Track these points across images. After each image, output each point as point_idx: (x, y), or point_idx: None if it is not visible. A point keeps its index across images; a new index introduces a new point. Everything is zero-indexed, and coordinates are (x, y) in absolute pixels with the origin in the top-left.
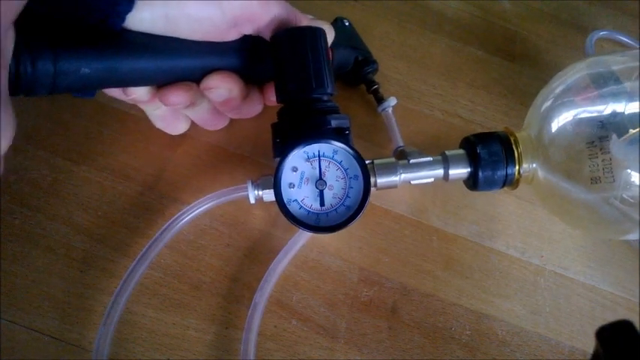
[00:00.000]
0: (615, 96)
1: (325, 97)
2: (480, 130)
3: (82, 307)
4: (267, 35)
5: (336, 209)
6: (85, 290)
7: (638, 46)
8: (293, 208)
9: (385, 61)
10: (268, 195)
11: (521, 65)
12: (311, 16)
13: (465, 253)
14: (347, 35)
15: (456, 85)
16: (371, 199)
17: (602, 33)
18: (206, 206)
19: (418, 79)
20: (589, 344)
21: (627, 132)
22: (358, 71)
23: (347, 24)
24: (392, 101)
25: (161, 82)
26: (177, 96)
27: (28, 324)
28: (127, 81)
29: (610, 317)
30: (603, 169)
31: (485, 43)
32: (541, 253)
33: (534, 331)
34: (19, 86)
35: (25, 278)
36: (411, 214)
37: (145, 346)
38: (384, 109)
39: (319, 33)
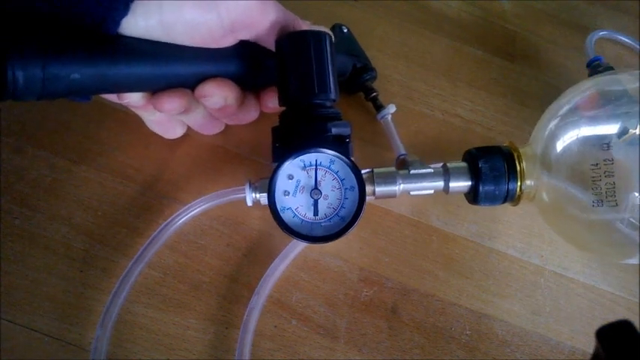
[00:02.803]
0: (624, 116)
1: (328, 103)
2: (480, 130)
3: (81, 307)
4: (264, 41)
5: (330, 219)
6: (85, 290)
7: (638, 46)
8: (286, 216)
9: (385, 61)
10: (265, 198)
11: (521, 65)
12: (310, 22)
13: (465, 253)
14: (345, 42)
15: (456, 85)
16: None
17: (602, 33)
18: (202, 207)
19: (418, 79)
20: (589, 344)
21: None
22: (356, 79)
23: (345, 30)
24: (391, 109)
25: (155, 89)
26: (171, 103)
27: (28, 324)
28: (119, 87)
29: (610, 317)
30: (606, 192)
31: (485, 43)
32: (541, 253)
33: (534, 331)
34: (5, 91)
35: (25, 278)
36: (411, 214)
37: (145, 346)
38: (382, 117)
39: (325, 37)
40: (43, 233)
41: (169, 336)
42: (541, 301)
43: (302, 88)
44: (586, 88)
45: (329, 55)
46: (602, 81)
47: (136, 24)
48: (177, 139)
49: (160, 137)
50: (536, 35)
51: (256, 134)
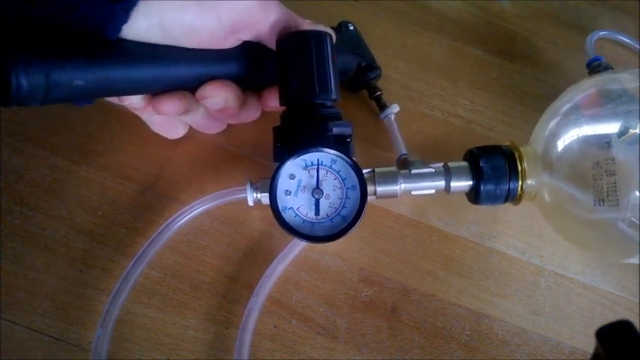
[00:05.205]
0: (625, 115)
1: (329, 103)
2: (480, 130)
3: (81, 307)
4: (266, 41)
5: (331, 219)
6: (85, 290)
7: (638, 46)
8: (288, 215)
9: (385, 62)
10: (267, 198)
11: (521, 65)
12: (310, 21)
13: (465, 253)
14: (351, 40)
15: (456, 85)
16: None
17: (602, 33)
18: (203, 207)
19: (418, 79)
20: (589, 344)
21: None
22: (361, 77)
23: (351, 28)
24: (394, 108)
25: (157, 91)
26: (171, 105)
27: (28, 324)
28: (121, 91)
29: (610, 317)
30: (607, 191)
31: (485, 43)
32: (541, 253)
33: (534, 331)
34: (10, 97)
35: (25, 278)
36: (411, 214)
37: (145, 346)
38: (386, 116)
39: (325, 37)
40: (43, 233)
41: (169, 336)
42: (541, 301)
43: (303, 88)
44: (586, 88)
45: (329, 54)
46: (602, 80)
47: (137, 29)
48: (177, 139)
49: (161, 137)
50: (536, 35)
51: (257, 134)
